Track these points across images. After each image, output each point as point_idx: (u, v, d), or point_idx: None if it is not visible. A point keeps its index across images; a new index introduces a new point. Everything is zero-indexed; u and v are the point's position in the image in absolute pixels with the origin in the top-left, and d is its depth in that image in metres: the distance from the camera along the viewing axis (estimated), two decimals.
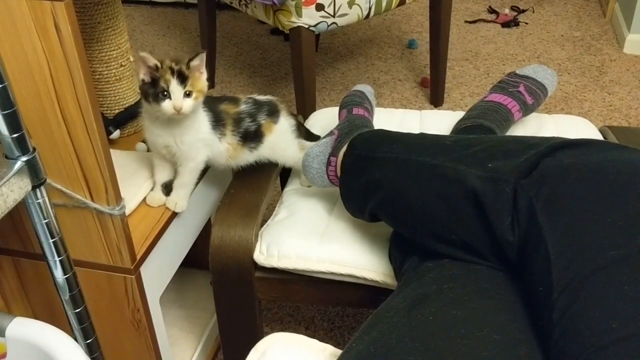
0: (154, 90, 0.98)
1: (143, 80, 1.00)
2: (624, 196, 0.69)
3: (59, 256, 0.84)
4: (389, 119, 1.34)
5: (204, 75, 1.04)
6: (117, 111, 1.25)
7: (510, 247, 0.75)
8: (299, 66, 1.79)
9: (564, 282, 0.65)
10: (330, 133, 1.17)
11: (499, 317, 0.71)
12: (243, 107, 1.14)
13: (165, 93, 0.98)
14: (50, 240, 0.82)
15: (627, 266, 0.63)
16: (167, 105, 0.98)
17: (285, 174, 1.31)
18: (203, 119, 1.07)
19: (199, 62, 1.01)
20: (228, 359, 1.24)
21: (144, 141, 1.24)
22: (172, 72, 0.98)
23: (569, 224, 0.70)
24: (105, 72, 1.21)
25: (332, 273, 1.03)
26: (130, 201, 1.06)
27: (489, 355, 0.65)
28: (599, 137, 1.25)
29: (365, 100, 1.26)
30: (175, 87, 0.98)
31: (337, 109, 1.27)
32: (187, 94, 1.00)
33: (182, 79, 0.99)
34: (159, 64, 0.98)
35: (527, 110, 1.22)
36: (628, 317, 0.60)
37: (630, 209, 0.67)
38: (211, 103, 1.11)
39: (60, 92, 0.82)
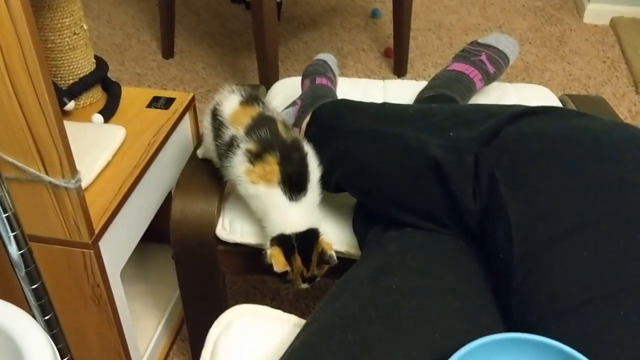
0: (283, 278, 0.93)
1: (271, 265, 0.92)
2: (584, 164, 0.70)
3: (12, 231, 0.81)
4: (353, 89, 1.33)
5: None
6: (71, 81, 1.21)
7: (472, 216, 0.76)
8: (261, 35, 1.76)
9: (524, 250, 0.66)
10: (293, 103, 1.15)
11: (461, 285, 0.72)
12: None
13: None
14: (3, 216, 0.79)
15: (586, 233, 0.64)
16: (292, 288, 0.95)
17: None
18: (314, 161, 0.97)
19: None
20: (192, 334, 1.23)
21: (100, 112, 1.20)
22: (304, 280, 0.93)
23: (529, 193, 0.70)
24: (58, 40, 1.16)
25: None
26: (87, 174, 1.04)
27: (450, 322, 0.66)
28: (559, 105, 1.26)
29: (328, 70, 1.24)
30: (304, 285, 0.94)
31: (300, 78, 1.26)
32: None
33: (312, 280, 0.94)
34: (289, 270, 0.92)
35: (489, 79, 1.22)
36: (586, 284, 0.61)
37: (590, 176, 0.68)
38: (275, 132, 0.95)
39: (9, 61, 0.78)
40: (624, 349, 0.57)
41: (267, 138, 0.93)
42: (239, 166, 0.94)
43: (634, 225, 0.63)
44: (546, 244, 0.65)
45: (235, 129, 0.95)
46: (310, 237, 0.92)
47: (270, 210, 0.93)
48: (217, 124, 0.98)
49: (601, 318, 0.59)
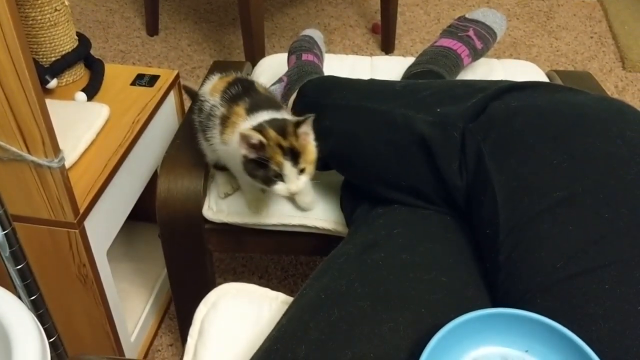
0: (263, 173, 0.85)
1: (245, 157, 0.85)
2: (570, 138, 0.70)
3: None
4: (340, 65, 1.32)
5: (312, 138, 0.88)
6: (53, 59, 1.19)
7: (459, 192, 0.76)
8: (246, 11, 1.73)
9: (510, 224, 0.66)
10: (279, 80, 1.14)
11: (447, 261, 0.72)
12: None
13: (278, 175, 0.85)
14: None
15: (571, 207, 0.64)
16: (281, 188, 0.85)
17: None
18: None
19: (307, 127, 0.86)
20: (180, 312, 1.23)
21: (83, 90, 1.18)
22: (284, 152, 0.83)
23: (515, 167, 0.70)
24: (39, 17, 1.14)
25: (283, 225, 1.02)
26: (71, 153, 1.02)
27: (437, 298, 0.66)
28: (546, 81, 1.26)
29: (315, 46, 1.23)
30: (289, 170, 0.84)
31: (286, 55, 1.24)
32: (301, 171, 0.86)
33: (295, 156, 0.84)
34: (264, 141, 0.82)
35: (476, 55, 1.21)
36: (571, 257, 0.61)
37: (576, 150, 0.68)
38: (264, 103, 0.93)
39: None
40: (608, 323, 0.57)
41: (238, 93, 0.93)
42: (216, 136, 0.95)
43: (619, 200, 0.64)
44: (532, 218, 0.65)
45: (214, 98, 0.96)
46: (281, 119, 0.87)
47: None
48: (199, 104, 1.00)
49: (587, 292, 0.59)
